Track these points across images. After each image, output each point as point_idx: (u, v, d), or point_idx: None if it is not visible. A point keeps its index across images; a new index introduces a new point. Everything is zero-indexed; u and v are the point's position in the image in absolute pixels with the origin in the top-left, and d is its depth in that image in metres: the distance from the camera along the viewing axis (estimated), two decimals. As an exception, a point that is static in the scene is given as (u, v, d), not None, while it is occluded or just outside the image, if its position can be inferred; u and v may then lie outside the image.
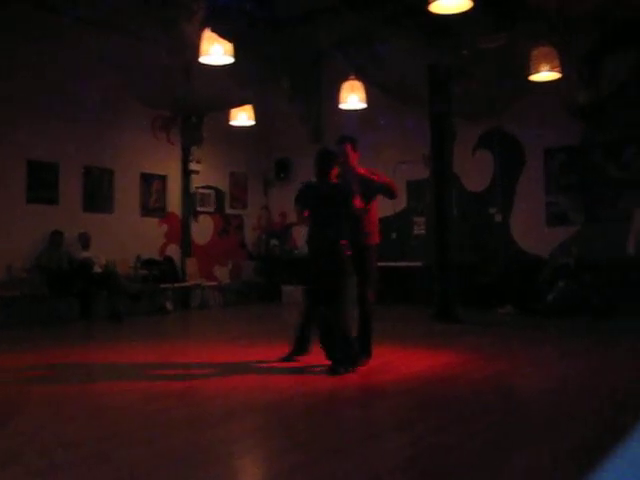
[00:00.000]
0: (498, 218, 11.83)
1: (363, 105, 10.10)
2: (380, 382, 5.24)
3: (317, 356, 5.96)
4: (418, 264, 12.07)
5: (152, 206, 12.34)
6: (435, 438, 3.57)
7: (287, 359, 6.04)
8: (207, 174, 13.29)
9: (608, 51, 10.00)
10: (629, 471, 0.86)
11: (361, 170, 6.08)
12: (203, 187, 13.33)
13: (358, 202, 5.75)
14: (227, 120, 11.69)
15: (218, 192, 13.67)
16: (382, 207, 12.93)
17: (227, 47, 7.86)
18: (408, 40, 8.66)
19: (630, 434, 0.93)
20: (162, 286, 11.82)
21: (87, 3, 8.64)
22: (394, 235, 13.13)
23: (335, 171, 5.87)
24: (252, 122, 11.40)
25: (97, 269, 10.45)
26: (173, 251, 12.66)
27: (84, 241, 10.54)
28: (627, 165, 10.61)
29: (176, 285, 12.23)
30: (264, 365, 5.99)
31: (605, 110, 10.54)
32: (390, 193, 6.19)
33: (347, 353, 5.56)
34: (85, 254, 10.43)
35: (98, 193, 11.35)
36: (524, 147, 11.69)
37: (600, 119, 10.69)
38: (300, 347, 6.11)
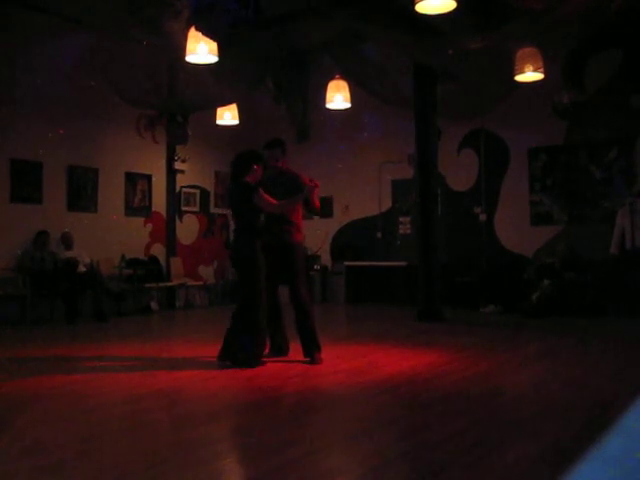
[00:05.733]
0: (482, 217, 11.89)
1: (348, 105, 10.11)
2: (365, 381, 5.25)
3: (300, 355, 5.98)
4: (403, 263, 12.11)
5: (137, 205, 12.29)
6: (421, 436, 3.59)
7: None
8: (192, 173, 13.25)
9: (592, 51, 10.08)
10: (609, 467, 0.87)
11: (288, 169, 6.38)
12: (188, 186, 13.29)
13: (270, 200, 5.88)
14: (212, 119, 11.66)
15: (203, 191, 13.63)
16: (367, 207, 13.13)
17: (212, 46, 7.83)
18: (394, 40, 8.67)
19: (611, 431, 0.94)
20: (147, 286, 11.78)
21: (71, 2, 8.60)
22: (379, 235, 13.17)
23: (257, 171, 6.10)
24: (236, 121, 11.37)
25: (81, 268, 10.39)
26: (158, 250, 12.61)
27: (67, 241, 10.49)
28: (611, 165, 10.69)
29: (161, 285, 12.20)
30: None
31: (589, 110, 10.63)
32: (310, 207, 6.21)
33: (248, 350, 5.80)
34: (68, 254, 10.37)
35: (82, 192, 11.29)
36: (509, 147, 11.76)
37: (584, 119, 10.78)
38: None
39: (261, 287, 5.83)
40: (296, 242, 6.16)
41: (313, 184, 5.93)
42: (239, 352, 5.84)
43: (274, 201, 5.86)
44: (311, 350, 6.02)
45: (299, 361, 6.02)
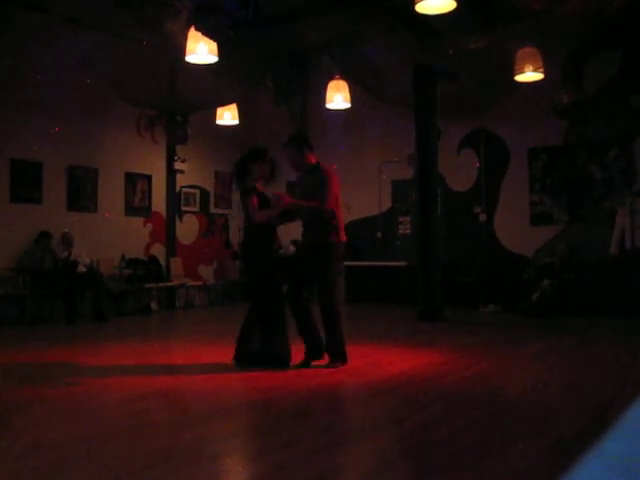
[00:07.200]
0: (482, 217, 11.89)
1: (347, 105, 10.12)
2: (366, 381, 5.25)
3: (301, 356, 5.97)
4: (403, 263, 12.11)
5: (137, 205, 12.29)
6: (422, 436, 3.59)
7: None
8: (192, 173, 13.25)
9: (592, 51, 10.08)
10: (609, 467, 0.87)
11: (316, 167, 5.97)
12: (188, 186, 13.29)
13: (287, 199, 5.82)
14: (212, 119, 11.66)
15: (203, 191, 13.63)
16: (367, 207, 13.13)
17: (212, 46, 7.84)
18: (394, 40, 8.67)
19: (611, 432, 0.94)
20: (147, 286, 11.77)
21: (71, 2, 8.60)
22: (379, 235, 13.17)
23: (259, 169, 5.93)
24: (236, 121, 11.38)
25: (82, 269, 10.39)
26: (158, 250, 12.61)
27: (67, 241, 10.48)
28: (611, 165, 10.69)
29: (161, 285, 12.19)
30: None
31: (589, 110, 10.62)
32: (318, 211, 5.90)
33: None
34: (68, 254, 10.35)
35: (82, 192, 11.28)
36: (509, 147, 11.76)
37: (584, 119, 10.77)
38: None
39: (273, 290, 5.81)
40: (330, 241, 5.84)
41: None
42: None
43: (257, 209, 5.71)
44: (332, 356, 5.75)
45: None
